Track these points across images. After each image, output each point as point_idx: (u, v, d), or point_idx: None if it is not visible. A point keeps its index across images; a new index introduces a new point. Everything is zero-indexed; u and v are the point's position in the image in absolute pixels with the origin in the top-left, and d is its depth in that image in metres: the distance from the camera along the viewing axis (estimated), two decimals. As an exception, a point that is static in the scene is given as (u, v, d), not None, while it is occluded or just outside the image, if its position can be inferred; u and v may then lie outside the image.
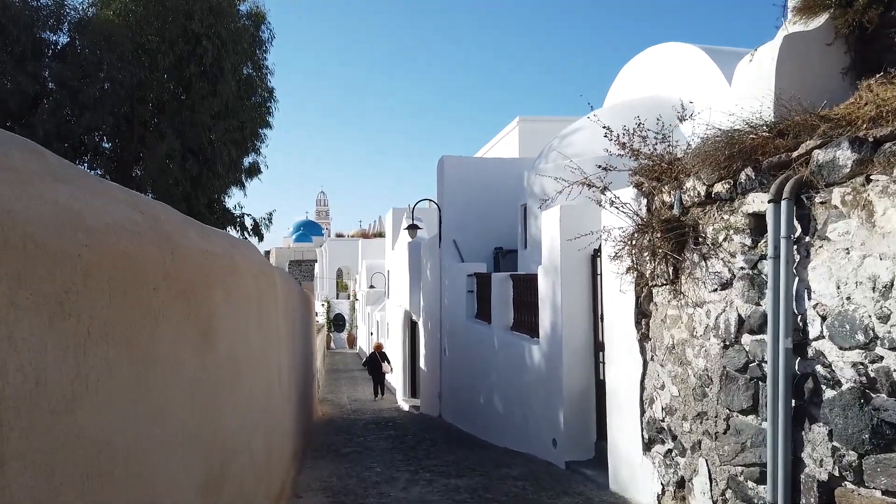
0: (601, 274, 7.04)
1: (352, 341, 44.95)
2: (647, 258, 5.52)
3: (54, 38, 16.40)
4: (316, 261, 60.56)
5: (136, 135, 16.46)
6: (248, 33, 17.58)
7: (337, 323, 46.85)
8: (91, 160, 17.08)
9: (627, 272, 5.58)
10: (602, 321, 7.10)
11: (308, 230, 77.11)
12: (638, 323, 5.68)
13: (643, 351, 5.63)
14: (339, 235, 63.81)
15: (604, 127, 5.97)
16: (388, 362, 23.05)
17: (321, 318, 44.27)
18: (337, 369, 33.24)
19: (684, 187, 5.10)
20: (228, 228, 18.51)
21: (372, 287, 32.44)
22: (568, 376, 7.23)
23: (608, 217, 5.99)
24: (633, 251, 5.47)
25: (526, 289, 8.95)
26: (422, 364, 17.20)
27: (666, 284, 5.35)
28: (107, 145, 17.37)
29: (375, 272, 32.58)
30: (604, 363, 7.09)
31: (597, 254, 7.21)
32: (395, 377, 22.26)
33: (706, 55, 10.63)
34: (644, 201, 5.63)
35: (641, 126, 5.71)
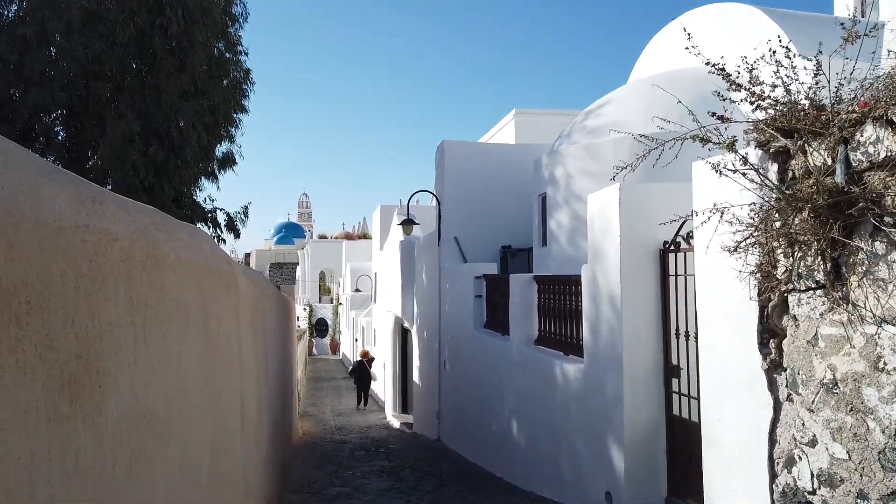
0: (680, 274, 5.28)
1: (335, 347, 43.01)
2: (782, 250, 3.77)
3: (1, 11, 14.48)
4: (298, 263, 58.69)
5: (91, 116, 14.53)
6: (219, 7, 15.72)
7: (319, 328, 44.87)
8: (44, 147, 15.12)
9: (759, 271, 3.80)
10: (678, 338, 5.34)
11: (290, 232, 75.46)
12: (764, 345, 3.92)
13: (773, 386, 3.86)
14: (322, 237, 61.80)
15: (707, 63, 4.21)
16: (374, 360, 21.85)
17: (303, 323, 42.30)
18: (319, 378, 31.31)
19: (855, 141, 3.36)
20: (199, 225, 16.58)
21: (357, 290, 30.56)
22: (630, 409, 5.46)
23: (711, 193, 4.24)
24: (768, 239, 3.70)
25: (559, 294, 7.18)
26: (415, 377, 15.37)
27: (816, 289, 3.60)
28: (60, 130, 15.48)
29: (361, 275, 30.69)
30: (681, 394, 5.34)
31: (668, 248, 5.46)
32: (385, 390, 20.40)
33: (766, 15, 8.97)
34: (774, 167, 3.87)
35: (777, 50, 3.93)
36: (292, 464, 9.71)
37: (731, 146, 3.73)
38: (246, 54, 16.52)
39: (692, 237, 5.10)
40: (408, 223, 12.52)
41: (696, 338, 5.07)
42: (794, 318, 3.75)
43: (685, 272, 5.23)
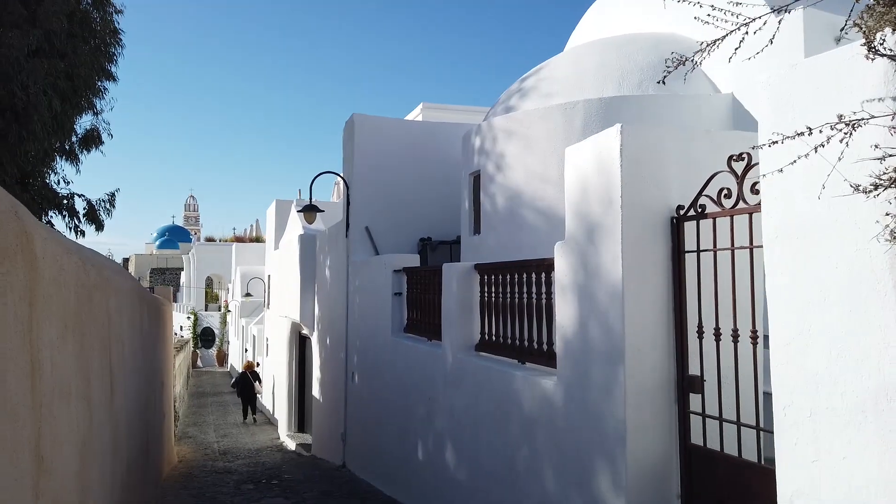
0: (705, 249, 3.82)
1: (222, 359, 39.67)
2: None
3: None
4: (182, 269, 54.41)
5: None
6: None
7: (205, 338, 41.31)
8: None
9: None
10: (701, 338, 3.87)
11: (174, 236, 70.50)
12: (912, 344, 2.48)
13: (931, 411, 2.43)
14: (210, 240, 57.72)
15: None
16: (260, 382, 20.26)
17: (186, 333, 38.82)
18: (204, 392, 28.31)
19: None
20: (51, 214, 13.84)
21: (248, 296, 27.88)
22: (636, 438, 3.93)
23: (805, 109, 2.76)
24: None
25: (513, 285, 5.60)
26: (315, 392, 13.38)
27: None
28: None
29: (253, 278, 28.05)
30: (705, 416, 3.86)
31: (685, 214, 3.99)
32: (279, 406, 18.15)
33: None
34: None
35: None
36: (159, 509, 7.56)
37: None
38: (119, 12, 13.95)
39: (729, 195, 3.66)
40: (310, 209, 10.60)
41: (732, 337, 3.62)
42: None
43: (715, 245, 3.78)
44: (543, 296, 5.11)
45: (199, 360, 39.84)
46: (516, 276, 5.55)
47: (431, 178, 11.02)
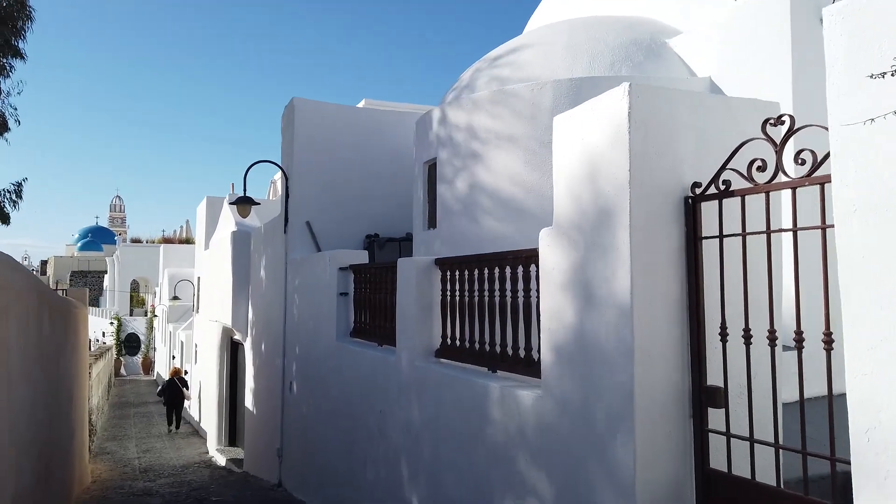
0: (731, 234, 3.17)
1: (148, 366, 37.56)
2: None
3: None
4: (106, 272, 51.57)
5: None
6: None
7: (130, 344, 39.05)
8: None
9: None
10: (724, 342, 3.22)
11: (97, 237, 67.01)
12: None
13: None
14: (136, 241, 54.97)
15: None
16: (188, 388, 19.30)
17: (109, 339, 36.59)
18: (127, 402, 26.52)
19: None
20: (-53, 206, 12.29)
21: (176, 299, 26.24)
22: (645, 461, 3.24)
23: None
24: None
25: (484, 282, 4.86)
26: (248, 402, 12.30)
27: None
28: None
29: (181, 280, 26.45)
30: (729, 435, 3.20)
31: (703, 193, 3.34)
32: (208, 417, 16.88)
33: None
34: None
35: None
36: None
37: None
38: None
39: (763, 167, 3.02)
40: (244, 202, 9.59)
41: (769, 340, 2.98)
42: None
43: (744, 229, 3.13)
44: (521, 293, 4.40)
45: (122, 367, 37.59)
46: (486, 270, 4.81)
47: (379, 171, 10.22)
